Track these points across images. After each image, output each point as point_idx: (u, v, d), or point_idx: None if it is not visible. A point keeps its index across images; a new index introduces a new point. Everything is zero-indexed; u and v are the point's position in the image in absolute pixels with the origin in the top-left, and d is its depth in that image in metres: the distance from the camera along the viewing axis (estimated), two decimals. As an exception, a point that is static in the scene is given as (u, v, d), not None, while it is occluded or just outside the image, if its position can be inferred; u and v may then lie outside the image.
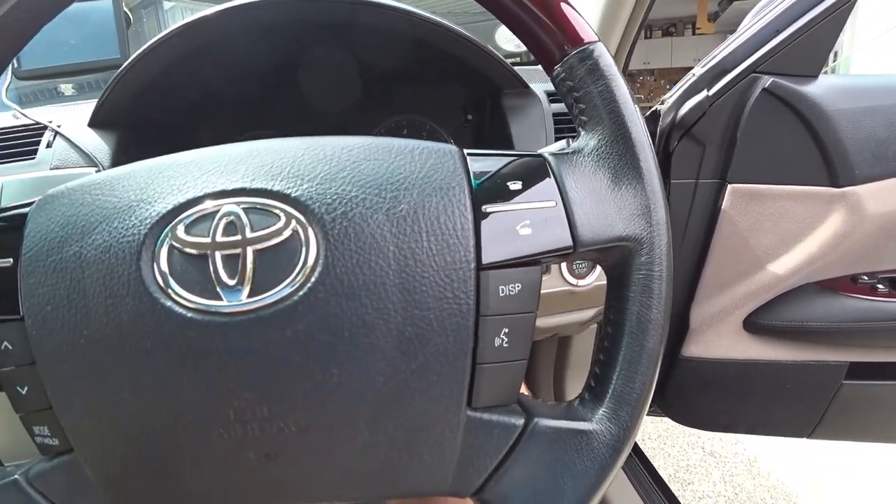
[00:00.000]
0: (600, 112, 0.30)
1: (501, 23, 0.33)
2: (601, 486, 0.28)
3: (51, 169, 0.56)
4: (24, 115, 0.64)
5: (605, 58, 0.30)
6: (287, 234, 0.26)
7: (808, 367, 0.67)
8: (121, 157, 0.57)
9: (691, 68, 0.63)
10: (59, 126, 0.60)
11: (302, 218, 0.26)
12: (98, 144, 0.57)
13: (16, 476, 0.29)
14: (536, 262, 0.28)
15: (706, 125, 0.59)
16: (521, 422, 0.29)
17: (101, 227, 0.27)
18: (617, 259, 0.29)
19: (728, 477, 1.65)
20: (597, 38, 0.30)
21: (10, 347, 0.27)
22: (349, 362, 0.26)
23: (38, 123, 0.61)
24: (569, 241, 0.28)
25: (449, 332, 0.26)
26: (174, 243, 0.26)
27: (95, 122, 0.59)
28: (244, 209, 0.26)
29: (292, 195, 0.26)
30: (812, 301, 0.64)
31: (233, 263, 0.25)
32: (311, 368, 0.26)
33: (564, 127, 0.61)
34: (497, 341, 0.27)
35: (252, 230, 0.26)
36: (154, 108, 0.61)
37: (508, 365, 0.28)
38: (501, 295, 0.27)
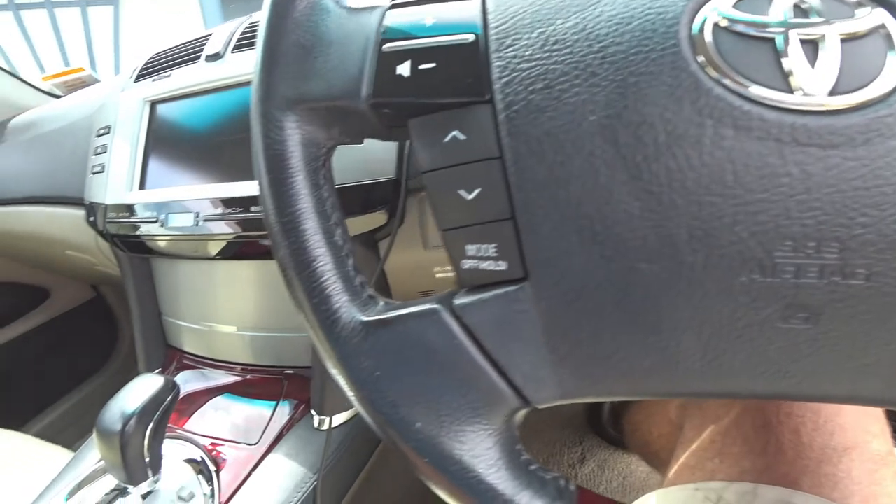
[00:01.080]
0: None
1: None
2: None
3: None
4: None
5: None
6: (869, 25, 0.20)
7: None
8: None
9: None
10: None
11: (886, 12, 0.20)
12: None
13: (434, 305, 0.23)
14: None
15: None
16: None
17: None
18: None
19: None
20: None
21: (460, 138, 0.22)
22: None
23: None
24: None
25: None
26: (723, 21, 0.21)
27: None
28: None
29: None
30: None
31: (808, 51, 0.20)
32: None
33: None
34: None
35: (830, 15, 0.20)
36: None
37: None
38: None
